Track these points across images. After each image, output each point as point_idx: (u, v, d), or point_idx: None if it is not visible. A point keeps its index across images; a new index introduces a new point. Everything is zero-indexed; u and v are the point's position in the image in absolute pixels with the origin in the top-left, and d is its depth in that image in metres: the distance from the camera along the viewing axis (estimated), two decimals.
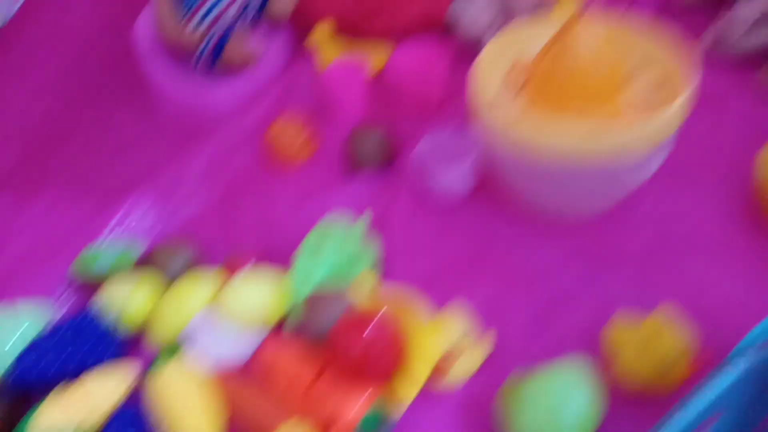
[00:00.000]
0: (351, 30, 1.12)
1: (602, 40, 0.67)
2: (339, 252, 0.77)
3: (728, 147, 0.85)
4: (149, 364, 0.72)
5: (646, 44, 0.73)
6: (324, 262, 0.76)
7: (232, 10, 1.04)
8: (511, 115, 0.69)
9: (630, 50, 0.72)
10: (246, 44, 1.00)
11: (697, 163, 0.83)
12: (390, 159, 0.92)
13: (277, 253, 0.80)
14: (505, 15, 1.09)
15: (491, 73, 0.75)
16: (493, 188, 0.82)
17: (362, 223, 0.79)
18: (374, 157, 0.90)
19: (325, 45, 1.09)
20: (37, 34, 1.23)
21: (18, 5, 1.24)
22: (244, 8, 1.05)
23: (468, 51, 1.06)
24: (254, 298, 0.74)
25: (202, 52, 1.01)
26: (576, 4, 1.04)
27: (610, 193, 0.72)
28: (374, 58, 1.06)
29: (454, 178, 0.81)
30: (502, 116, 0.68)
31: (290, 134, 0.95)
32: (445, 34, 1.11)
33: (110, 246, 0.87)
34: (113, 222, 0.89)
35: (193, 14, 1.02)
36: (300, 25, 1.13)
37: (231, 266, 0.80)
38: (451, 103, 0.94)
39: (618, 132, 0.65)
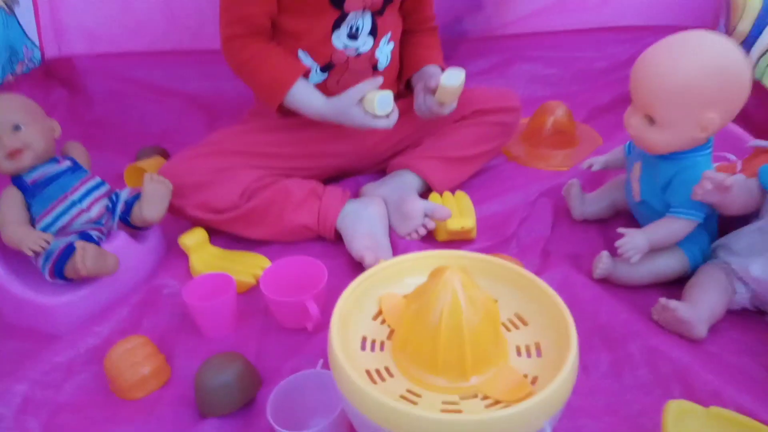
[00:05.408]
0: (228, 234, 1.02)
1: (471, 294, 0.57)
2: None
3: (631, 396, 0.75)
4: None
5: (520, 300, 0.65)
6: None
7: (93, 212, 0.93)
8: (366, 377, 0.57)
9: (503, 306, 0.64)
10: (102, 251, 0.87)
11: (601, 412, 0.72)
12: (248, 397, 0.77)
13: None
14: (399, 220, 1.03)
15: (354, 316, 0.64)
16: None
17: None
18: (229, 395, 0.75)
19: (198, 251, 0.98)
20: None
21: None
22: (110, 210, 0.95)
23: (356, 265, 0.98)
24: None
25: (47, 258, 0.87)
26: (466, 222, 0.99)
27: None
28: (245, 270, 0.95)
29: None
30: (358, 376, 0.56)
31: (135, 359, 0.80)
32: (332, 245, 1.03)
33: None
34: None
35: (45, 214, 0.90)
36: (176, 221, 1.03)
37: None
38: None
39: (495, 413, 0.53)
